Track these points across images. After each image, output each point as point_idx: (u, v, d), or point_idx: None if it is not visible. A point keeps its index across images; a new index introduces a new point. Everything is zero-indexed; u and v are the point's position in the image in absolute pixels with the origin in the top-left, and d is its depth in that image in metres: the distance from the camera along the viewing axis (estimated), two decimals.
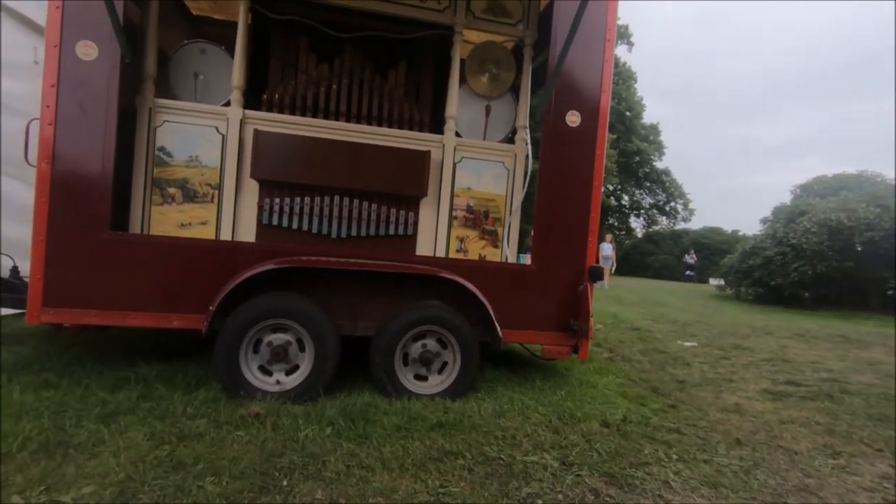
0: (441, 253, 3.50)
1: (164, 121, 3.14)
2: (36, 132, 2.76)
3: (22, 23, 4.35)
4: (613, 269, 15.68)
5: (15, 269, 3.43)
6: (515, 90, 3.81)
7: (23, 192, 4.09)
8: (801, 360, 5.14)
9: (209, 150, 3.19)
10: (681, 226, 35.71)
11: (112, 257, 2.76)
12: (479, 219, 3.58)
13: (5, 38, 4.22)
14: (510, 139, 3.77)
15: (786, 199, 19.15)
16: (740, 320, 8.71)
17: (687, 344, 5.76)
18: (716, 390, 3.73)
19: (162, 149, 3.14)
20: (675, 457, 2.40)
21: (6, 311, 3.90)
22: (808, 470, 2.41)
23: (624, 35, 28.70)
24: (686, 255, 26.57)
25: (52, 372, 2.79)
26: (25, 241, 2.90)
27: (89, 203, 2.72)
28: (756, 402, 3.50)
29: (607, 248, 14.65)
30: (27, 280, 2.76)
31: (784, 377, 4.28)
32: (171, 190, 3.17)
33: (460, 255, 3.54)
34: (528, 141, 3.62)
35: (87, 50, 2.70)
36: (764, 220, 15.68)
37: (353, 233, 3.38)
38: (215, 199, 3.21)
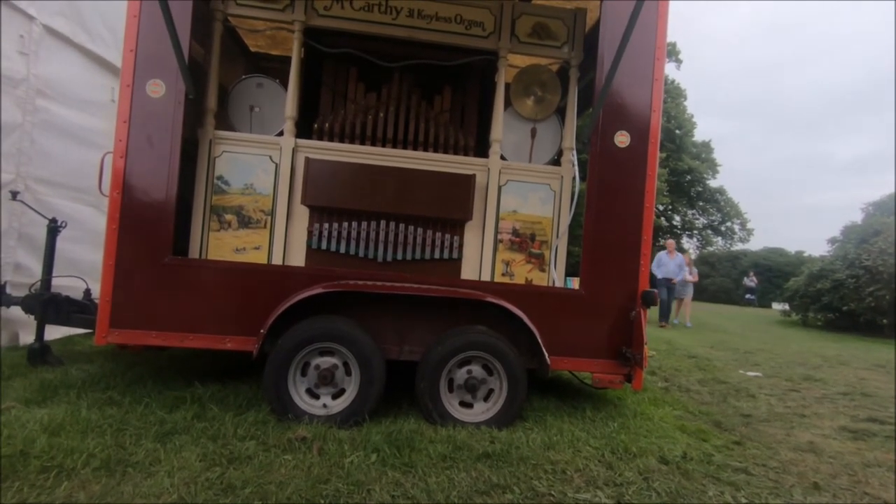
0: (487, 277, 3.45)
1: (223, 151, 3.31)
2: (109, 164, 2.97)
3: (101, 65, 4.77)
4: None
5: (87, 292, 3.68)
6: (561, 112, 3.77)
7: (96, 220, 4.42)
8: (884, 394, 4.66)
9: (263, 178, 3.33)
10: (738, 247, 33.98)
11: (173, 281, 2.89)
12: (526, 242, 3.52)
13: (86, 79, 4.63)
14: (556, 161, 3.72)
15: (856, 217, 17.87)
16: (809, 348, 8.07)
17: (750, 374, 5.36)
18: (786, 426, 3.43)
19: (220, 177, 3.31)
20: (743, 500, 2.20)
21: (78, 331, 4.18)
22: None
23: (672, 52, 28.12)
24: (745, 278, 25.10)
25: (116, 390, 2.93)
26: (97, 265, 3.11)
27: (154, 229, 2.88)
28: (834, 440, 3.18)
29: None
30: (97, 301, 2.94)
31: (865, 413, 3.88)
32: (228, 216, 3.32)
33: (506, 279, 3.48)
34: (575, 162, 3.55)
35: (155, 88, 2.90)
36: (832, 241, 14.72)
37: (399, 257, 3.41)
38: (268, 225, 3.34)
